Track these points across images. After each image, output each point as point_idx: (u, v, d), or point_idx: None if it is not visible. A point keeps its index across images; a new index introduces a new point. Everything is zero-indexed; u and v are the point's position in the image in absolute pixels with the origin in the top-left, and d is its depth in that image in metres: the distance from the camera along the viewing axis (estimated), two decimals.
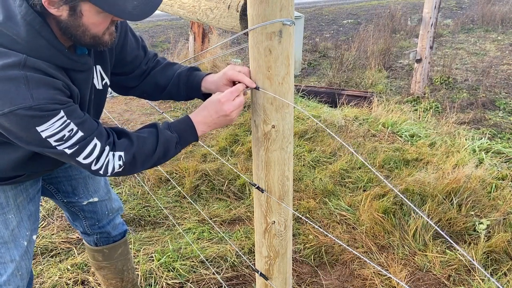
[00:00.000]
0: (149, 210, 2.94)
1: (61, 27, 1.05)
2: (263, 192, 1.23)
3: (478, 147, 3.87)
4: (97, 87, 1.30)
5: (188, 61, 4.53)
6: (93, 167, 1.13)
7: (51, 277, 2.32)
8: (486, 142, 3.99)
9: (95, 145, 1.11)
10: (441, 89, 6.23)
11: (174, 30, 10.15)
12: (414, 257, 2.51)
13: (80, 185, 1.65)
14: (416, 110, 5.19)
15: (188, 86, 1.39)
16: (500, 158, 3.73)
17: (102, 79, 1.32)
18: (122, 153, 1.15)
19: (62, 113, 1.04)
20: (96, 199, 1.69)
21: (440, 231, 0.80)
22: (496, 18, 10.57)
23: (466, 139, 4.00)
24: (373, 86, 6.35)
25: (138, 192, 3.14)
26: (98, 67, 1.29)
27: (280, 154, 1.17)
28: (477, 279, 2.34)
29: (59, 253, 2.53)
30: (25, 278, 1.47)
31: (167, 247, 2.52)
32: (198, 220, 2.84)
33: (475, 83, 6.46)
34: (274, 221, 1.26)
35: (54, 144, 1.06)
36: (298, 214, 1.30)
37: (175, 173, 3.33)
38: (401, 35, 9.69)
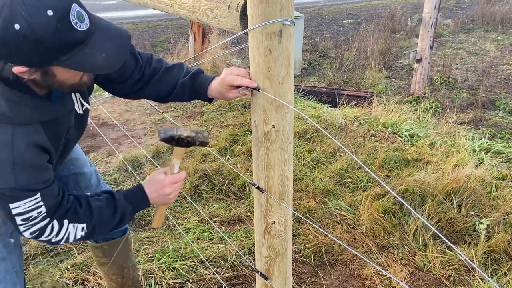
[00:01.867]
0: (149, 210, 2.94)
1: (37, 83, 1.07)
2: (263, 192, 1.23)
3: (478, 147, 3.86)
4: (78, 112, 1.32)
5: (188, 61, 4.52)
6: (54, 240, 1.19)
7: (51, 277, 2.32)
8: (486, 142, 3.99)
9: (54, 225, 1.16)
10: (441, 89, 6.22)
11: (174, 30, 10.14)
12: (414, 257, 2.51)
13: (71, 182, 1.66)
14: (416, 110, 5.18)
15: (193, 94, 1.41)
16: (500, 158, 3.72)
17: (82, 105, 1.34)
18: (84, 225, 1.22)
19: (38, 195, 1.10)
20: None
21: (441, 236, 0.80)
22: (496, 18, 10.57)
23: (466, 139, 4.00)
24: (373, 86, 6.35)
25: None
26: (78, 95, 1.31)
27: (280, 154, 1.17)
28: (477, 279, 2.34)
29: (59, 253, 2.53)
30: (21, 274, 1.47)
31: (167, 247, 2.52)
32: (198, 220, 2.84)
33: (475, 83, 6.45)
34: (274, 221, 1.26)
35: (19, 223, 1.11)
36: (298, 214, 1.29)
37: None
38: (401, 35, 9.69)
